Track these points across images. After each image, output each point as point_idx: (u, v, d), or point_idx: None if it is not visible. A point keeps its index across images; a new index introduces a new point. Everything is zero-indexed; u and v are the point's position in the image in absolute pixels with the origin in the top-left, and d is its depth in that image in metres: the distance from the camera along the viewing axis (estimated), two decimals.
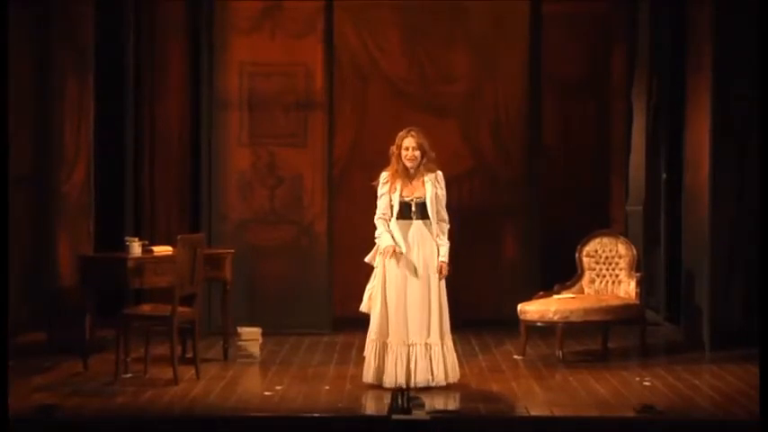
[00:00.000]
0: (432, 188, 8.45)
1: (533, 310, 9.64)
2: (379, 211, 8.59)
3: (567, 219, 11.55)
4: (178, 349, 8.87)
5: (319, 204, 11.05)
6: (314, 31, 11.02)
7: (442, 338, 8.42)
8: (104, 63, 10.61)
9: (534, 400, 8.16)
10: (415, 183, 8.46)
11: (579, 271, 10.15)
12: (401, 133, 8.52)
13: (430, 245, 8.47)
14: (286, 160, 11.06)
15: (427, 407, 7.56)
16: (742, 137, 9.83)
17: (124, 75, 10.97)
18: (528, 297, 9.93)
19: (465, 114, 11.78)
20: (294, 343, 10.38)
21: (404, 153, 8.44)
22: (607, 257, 10.12)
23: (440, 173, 8.52)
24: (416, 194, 8.46)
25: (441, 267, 8.44)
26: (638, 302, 9.81)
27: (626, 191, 12.10)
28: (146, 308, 8.91)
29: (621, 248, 10.11)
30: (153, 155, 11.40)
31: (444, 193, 8.52)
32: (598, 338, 9.93)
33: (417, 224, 8.46)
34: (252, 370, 9.24)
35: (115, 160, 10.91)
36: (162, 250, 9.19)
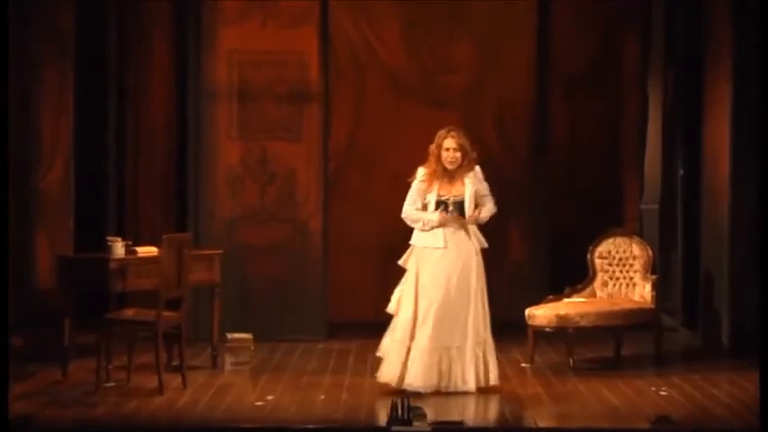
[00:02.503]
0: (471, 186, 8.61)
1: (542, 314, 9.61)
2: (406, 204, 8.66)
3: (577, 217, 11.51)
4: (163, 356, 8.84)
5: (314, 202, 11.03)
6: (308, 18, 11.01)
7: (483, 342, 8.51)
8: (85, 52, 10.55)
9: (543, 411, 8.14)
10: (454, 183, 8.64)
11: (591, 273, 10.12)
12: (441, 132, 8.65)
13: (466, 245, 8.56)
14: (279, 155, 11.04)
15: (429, 417, 7.51)
16: (764, 129, 9.76)
17: (106, 64, 10.93)
18: (536, 301, 9.90)
19: (467, 107, 11.77)
20: (287, 349, 10.37)
21: (444, 154, 8.60)
22: (620, 259, 10.10)
23: (478, 168, 8.69)
24: (453, 193, 8.61)
25: (472, 214, 8.56)
26: (653, 306, 9.79)
27: (641, 188, 12.08)
28: (129, 312, 8.87)
29: (636, 249, 10.08)
30: (137, 149, 11.38)
31: (485, 185, 8.69)
32: (611, 345, 9.89)
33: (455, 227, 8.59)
34: (242, 378, 9.22)
35: (97, 155, 10.88)
36: (146, 251, 9.18)
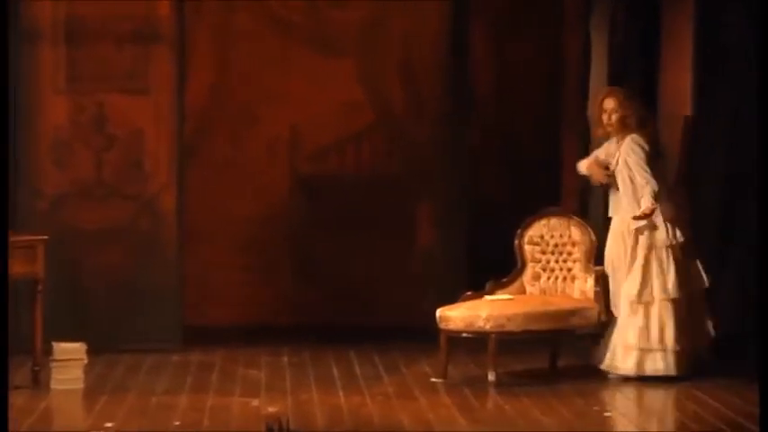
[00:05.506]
0: (623, 154, 9.74)
1: (458, 316, 9.69)
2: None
3: (502, 192, 11.62)
4: None
5: (166, 173, 11.03)
6: None
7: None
8: None
9: None
10: (615, 149, 9.84)
11: (519, 264, 10.23)
12: (602, 93, 10.02)
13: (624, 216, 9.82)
14: (120, 112, 11.02)
15: None
16: (734, 81, 9.93)
17: None
18: (451, 299, 9.98)
19: (365, 51, 11.84)
20: (132, 363, 10.37)
21: (604, 117, 9.86)
22: (556, 245, 10.20)
23: (634, 135, 9.73)
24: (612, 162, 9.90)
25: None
26: (597, 305, 9.89)
27: (583, 153, 12.15)
28: None
29: (575, 233, 10.18)
30: None
31: (635, 157, 9.69)
32: (544, 354, 10.03)
33: (618, 195, 9.90)
34: (73, 400, 9.22)
35: None
36: None
